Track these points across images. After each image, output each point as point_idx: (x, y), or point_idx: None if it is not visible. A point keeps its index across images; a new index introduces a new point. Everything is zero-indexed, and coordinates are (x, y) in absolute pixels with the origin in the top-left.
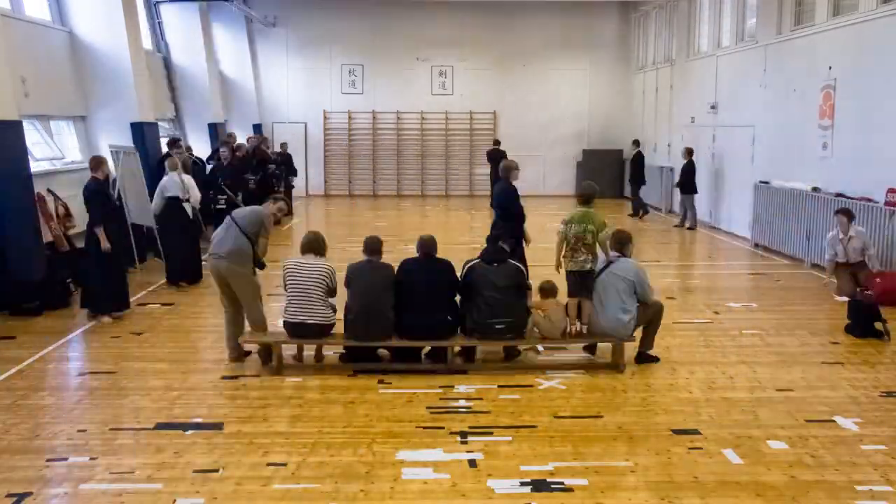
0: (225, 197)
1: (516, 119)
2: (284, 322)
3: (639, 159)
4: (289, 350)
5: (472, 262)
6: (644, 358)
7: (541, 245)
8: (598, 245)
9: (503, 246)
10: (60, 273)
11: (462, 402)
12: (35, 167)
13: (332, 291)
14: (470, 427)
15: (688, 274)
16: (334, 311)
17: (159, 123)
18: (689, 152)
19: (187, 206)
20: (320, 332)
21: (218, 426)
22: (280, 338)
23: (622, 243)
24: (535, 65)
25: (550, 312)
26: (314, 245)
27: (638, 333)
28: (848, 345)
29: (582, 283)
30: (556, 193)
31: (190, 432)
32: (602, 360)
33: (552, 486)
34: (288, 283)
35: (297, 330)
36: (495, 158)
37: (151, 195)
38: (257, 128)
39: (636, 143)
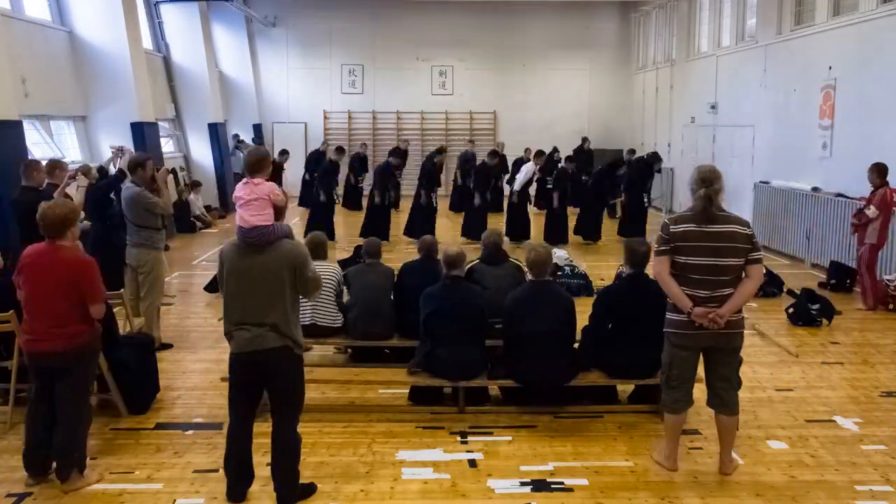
0: None
1: (516, 119)
2: None
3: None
4: None
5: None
6: None
7: None
8: None
9: None
10: None
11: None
12: None
13: (340, 294)
14: (470, 427)
15: None
16: (343, 313)
17: (159, 123)
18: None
19: None
20: (330, 333)
21: (218, 426)
22: None
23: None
24: (535, 65)
25: None
26: (321, 248)
27: None
28: (848, 345)
29: None
30: None
31: (190, 432)
32: None
33: (552, 486)
34: None
35: (307, 331)
36: None
37: None
38: (257, 128)
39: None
